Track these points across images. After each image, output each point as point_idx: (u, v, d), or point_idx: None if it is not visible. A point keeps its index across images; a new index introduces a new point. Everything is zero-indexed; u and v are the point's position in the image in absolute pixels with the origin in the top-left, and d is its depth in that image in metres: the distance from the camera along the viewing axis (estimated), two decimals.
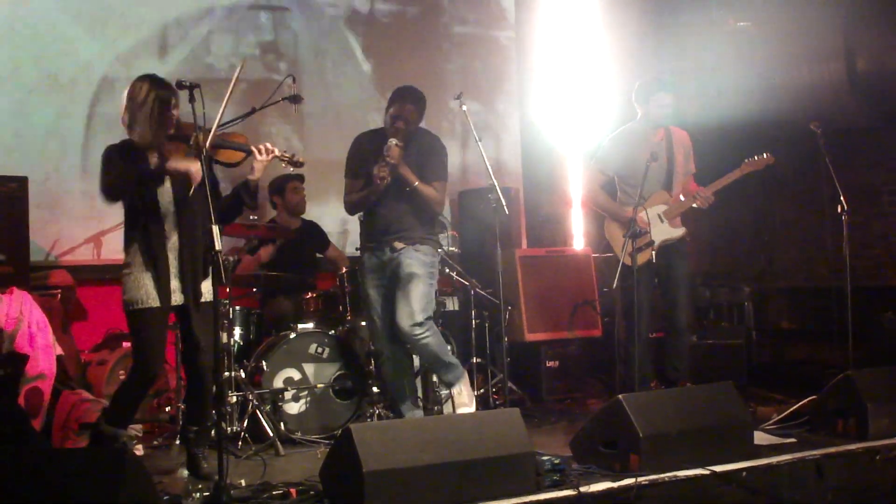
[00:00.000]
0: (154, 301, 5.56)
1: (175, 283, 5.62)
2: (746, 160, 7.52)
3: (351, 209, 7.06)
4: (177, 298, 5.63)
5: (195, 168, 5.47)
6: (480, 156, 6.44)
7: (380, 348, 6.91)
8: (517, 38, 11.07)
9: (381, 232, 6.83)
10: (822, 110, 8.79)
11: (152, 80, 5.63)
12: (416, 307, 6.62)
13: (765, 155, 7.51)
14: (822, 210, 8.85)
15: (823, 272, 9.63)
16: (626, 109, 7.93)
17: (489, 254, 6.96)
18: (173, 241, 5.63)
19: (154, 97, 5.56)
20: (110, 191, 5.55)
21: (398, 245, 6.76)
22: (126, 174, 5.51)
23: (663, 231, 7.51)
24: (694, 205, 7.51)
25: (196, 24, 9.10)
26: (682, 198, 7.54)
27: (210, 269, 5.27)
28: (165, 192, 5.64)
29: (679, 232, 7.57)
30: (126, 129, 5.64)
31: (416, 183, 6.67)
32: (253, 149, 5.85)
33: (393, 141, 6.55)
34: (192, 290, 5.65)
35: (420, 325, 6.60)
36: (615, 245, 7.58)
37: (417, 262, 6.74)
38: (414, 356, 7.12)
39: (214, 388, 5.75)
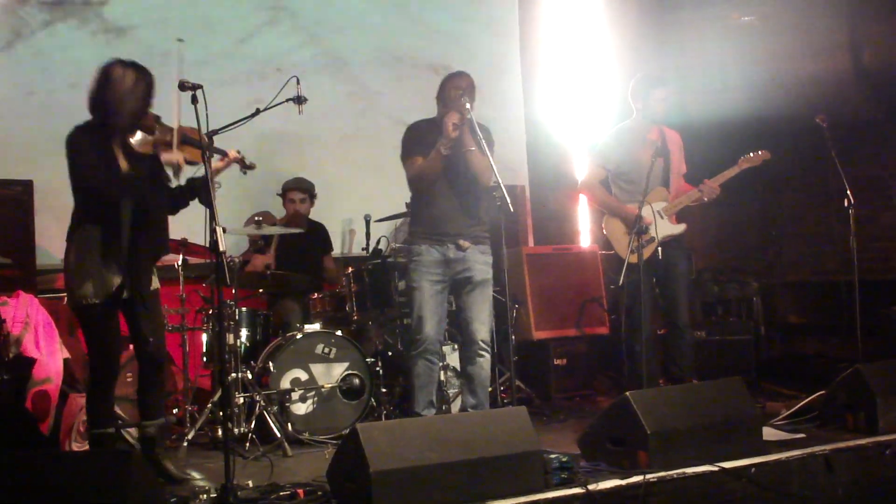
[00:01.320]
0: (102, 296, 5.51)
1: (118, 279, 5.55)
2: (743, 156, 7.52)
3: (417, 180, 6.71)
4: (124, 293, 5.57)
5: (181, 160, 5.55)
6: (485, 153, 6.41)
7: (422, 344, 6.61)
8: (521, 34, 11.06)
9: (444, 225, 6.68)
10: (827, 104, 8.76)
11: (137, 67, 5.58)
12: (492, 320, 6.73)
13: (760, 151, 7.51)
14: (829, 203, 8.83)
15: (831, 266, 9.61)
16: (631, 105, 7.90)
17: (496, 252, 6.94)
18: (125, 239, 5.54)
19: (143, 85, 5.53)
20: (90, 184, 5.48)
21: (464, 244, 6.67)
22: (117, 181, 5.47)
23: (664, 227, 7.49)
24: (704, 198, 7.50)
25: None
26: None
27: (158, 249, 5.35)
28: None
29: (680, 228, 7.57)
30: (95, 111, 5.58)
31: (473, 148, 6.61)
32: (227, 152, 5.87)
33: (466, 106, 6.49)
34: (138, 284, 5.61)
35: (489, 339, 6.70)
36: (615, 241, 7.57)
37: (488, 267, 6.76)
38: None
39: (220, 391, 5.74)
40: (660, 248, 7.37)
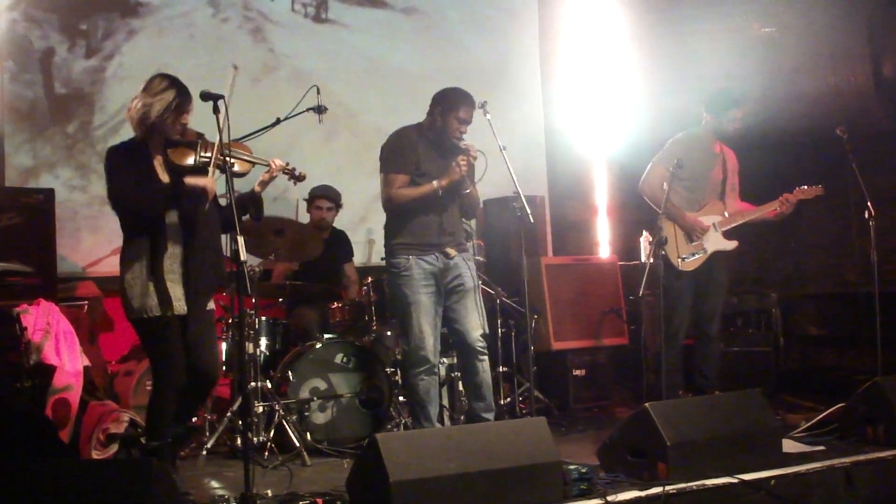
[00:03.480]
0: (160, 310, 5.49)
1: (178, 292, 5.54)
2: (798, 188, 7.54)
3: (398, 205, 6.65)
4: (180, 308, 5.54)
5: (210, 184, 5.51)
6: (505, 164, 6.42)
7: (427, 361, 6.60)
8: (541, 45, 11.08)
9: (433, 236, 6.66)
10: (848, 115, 8.74)
11: (173, 81, 5.59)
12: (483, 320, 6.72)
13: (816, 186, 7.55)
14: (849, 215, 8.81)
15: (851, 278, 9.57)
16: (651, 115, 7.91)
17: (515, 262, 6.95)
18: (177, 251, 5.55)
19: (174, 99, 5.52)
20: (125, 203, 5.50)
21: (451, 252, 6.68)
22: (151, 196, 5.46)
23: (716, 241, 7.55)
24: (780, 210, 7.61)
25: None
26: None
27: (219, 277, 5.32)
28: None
29: (732, 245, 7.64)
30: (135, 124, 5.59)
31: (469, 190, 6.69)
32: (270, 162, 5.87)
33: (473, 147, 6.52)
34: (195, 299, 5.58)
35: (484, 338, 6.69)
36: (668, 246, 7.49)
37: (474, 273, 6.78)
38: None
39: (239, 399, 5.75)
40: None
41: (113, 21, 8.77)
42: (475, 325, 6.68)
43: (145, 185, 5.48)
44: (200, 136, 5.71)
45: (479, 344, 6.68)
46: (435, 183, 6.54)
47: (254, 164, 5.84)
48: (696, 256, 7.48)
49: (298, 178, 6.04)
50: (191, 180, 5.53)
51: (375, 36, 10.15)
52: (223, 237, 5.87)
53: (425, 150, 6.67)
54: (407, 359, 6.66)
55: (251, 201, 5.87)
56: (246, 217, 5.94)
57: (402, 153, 6.68)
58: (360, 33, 10.06)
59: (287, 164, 5.94)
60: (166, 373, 5.58)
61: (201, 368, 5.65)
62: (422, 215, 6.66)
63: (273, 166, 5.87)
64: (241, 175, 5.81)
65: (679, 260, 7.42)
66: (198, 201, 5.54)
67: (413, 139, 6.73)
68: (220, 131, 5.22)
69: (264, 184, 5.91)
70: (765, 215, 7.66)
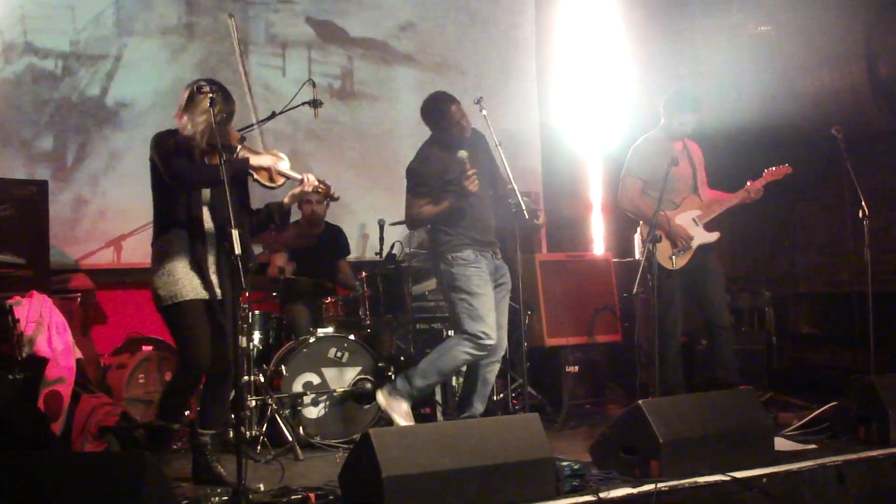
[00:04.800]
0: (196, 293, 5.56)
1: (215, 278, 5.63)
2: (766, 170, 7.56)
3: (421, 222, 6.91)
4: (217, 292, 5.62)
5: (271, 160, 5.69)
6: (500, 160, 6.42)
7: (494, 348, 6.69)
8: (537, 41, 11.07)
9: (484, 233, 6.77)
10: (843, 114, 8.76)
11: (222, 90, 5.61)
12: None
13: (783, 166, 7.55)
14: (843, 215, 8.82)
15: (845, 277, 9.59)
16: (646, 112, 7.92)
17: (509, 259, 6.95)
18: (212, 236, 5.63)
19: (219, 109, 5.51)
20: (187, 179, 5.56)
21: (498, 253, 6.87)
22: (212, 171, 5.49)
23: (699, 235, 7.58)
24: (752, 196, 7.62)
25: None
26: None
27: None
28: (205, 191, 5.68)
29: (714, 236, 7.67)
30: (181, 125, 5.63)
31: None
32: (303, 178, 5.86)
33: (465, 154, 6.55)
34: (227, 289, 5.64)
35: None
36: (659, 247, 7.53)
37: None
38: None
39: (232, 392, 5.75)
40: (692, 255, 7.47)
41: None
42: (504, 326, 6.84)
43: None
44: (243, 138, 5.75)
45: (505, 344, 6.83)
46: (448, 204, 6.63)
47: (287, 178, 5.84)
48: (683, 253, 7.50)
49: (332, 198, 6.05)
50: (255, 161, 5.70)
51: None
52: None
53: (450, 162, 6.70)
54: (462, 337, 6.61)
55: (278, 211, 5.91)
56: (271, 226, 6.01)
57: (426, 179, 6.74)
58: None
59: (322, 182, 5.93)
60: (192, 359, 5.62)
61: (222, 361, 5.68)
62: (476, 214, 6.72)
63: (306, 181, 5.86)
64: (272, 188, 5.83)
65: (669, 259, 7.43)
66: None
67: (436, 166, 6.75)
68: (214, 121, 5.25)
69: (294, 197, 5.95)
70: (742, 201, 7.66)
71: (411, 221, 6.89)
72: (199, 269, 5.58)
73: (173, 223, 5.61)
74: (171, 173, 5.52)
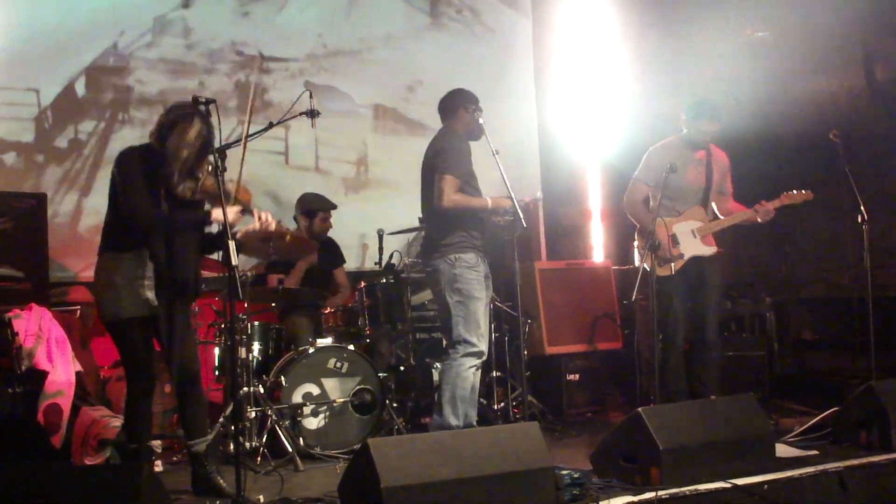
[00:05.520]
0: (138, 311, 5.51)
1: (151, 296, 5.54)
2: (785, 192, 7.54)
3: (450, 210, 6.61)
4: (151, 310, 5.56)
5: (234, 216, 5.61)
6: (498, 168, 6.42)
7: (484, 353, 6.65)
8: (535, 48, 11.08)
9: (481, 239, 6.80)
10: (841, 119, 8.76)
11: (203, 119, 5.55)
12: None
13: (804, 191, 7.53)
14: (842, 219, 8.80)
15: (845, 282, 9.57)
16: (644, 120, 7.91)
17: (509, 267, 6.94)
18: (158, 256, 5.56)
19: (200, 136, 5.52)
20: (147, 224, 5.51)
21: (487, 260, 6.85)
22: (177, 221, 5.55)
23: (695, 246, 7.55)
24: (759, 219, 7.55)
25: None
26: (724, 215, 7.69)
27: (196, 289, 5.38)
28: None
29: (710, 250, 7.60)
30: (154, 141, 5.58)
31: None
32: (260, 217, 5.88)
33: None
34: (174, 301, 5.63)
35: None
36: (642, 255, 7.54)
37: None
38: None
39: (232, 404, 5.75)
40: (677, 265, 7.42)
41: None
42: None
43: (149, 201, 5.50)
44: (217, 167, 5.75)
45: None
46: (490, 202, 6.62)
47: (244, 213, 5.86)
48: (665, 265, 7.44)
49: (282, 238, 6.34)
50: (216, 215, 5.57)
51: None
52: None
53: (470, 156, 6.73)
54: (461, 350, 6.56)
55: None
56: (214, 255, 6.01)
57: (463, 157, 6.69)
58: None
59: (278, 222, 6.04)
60: (139, 375, 5.65)
61: (178, 367, 5.71)
62: (481, 219, 6.75)
63: (261, 221, 5.90)
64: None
65: (658, 267, 7.41)
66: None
67: (467, 153, 6.74)
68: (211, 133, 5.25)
69: (248, 235, 6.02)
70: (748, 220, 7.64)
71: (450, 205, 6.57)
72: (142, 286, 5.52)
73: (124, 241, 5.56)
74: (122, 199, 5.49)
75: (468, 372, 6.52)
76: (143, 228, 5.50)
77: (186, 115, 5.48)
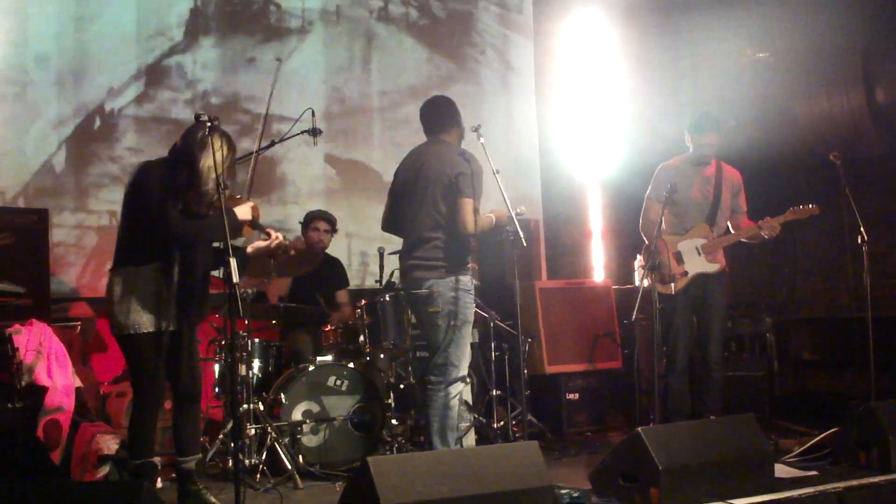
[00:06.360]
0: (154, 325, 5.54)
1: (171, 312, 5.58)
2: (791, 208, 7.55)
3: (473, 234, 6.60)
4: (168, 326, 5.59)
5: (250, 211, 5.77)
6: (498, 187, 6.42)
7: (465, 379, 6.67)
8: (536, 67, 11.11)
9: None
10: (841, 140, 8.77)
11: (229, 140, 5.66)
12: None
13: (810, 205, 7.53)
14: (842, 240, 8.82)
15: (845, 302, 9.58)
16: (645, 139, 7.93)
17: (509, 286, 6.94)
18: (175, 272, 5.60)
19: (230, 158, 5.63)
20: (180, 232, 5.53)
21: None
22: (208, 231, 5.61)
23: (698, 264, 7.57)
24: (764, 235, 7.56)
25: None
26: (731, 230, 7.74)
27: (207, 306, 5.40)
28: None
29: (714, 267, 7.61)
30: (179, 164, 5.59)
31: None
32: (271, 234, 6.03)
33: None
34: (186, 321, 5.67)
35: None
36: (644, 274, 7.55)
37: None
38: None
39: (231, 421, 5.76)
40: (682, 283, 7.45)
41: None
42: None
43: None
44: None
45: None
46: (494, 219, 6.62)
47: (258, 230, 5.94)
48: (668, 284, 7.45)
49: (288, 255, 6.37)
50: (242, 213, 5.75)
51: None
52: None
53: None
54: (449, 376, 6.53)
55: (238, 258, 5.88)
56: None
57: (481, 180, 6.62)
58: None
59: (287, 241, 6.08)
60: (149, 390, 5.65)
61: (182, 386, 5.77)
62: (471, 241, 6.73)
63: (273, 238, 6.03)
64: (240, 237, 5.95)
65: (661, 285, 7.43)
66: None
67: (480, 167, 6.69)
68: (213, 152, 5.26)
69: (258, 250, 6.08)
70: (752, 238, 7.65)
71: (475, 230, 6.51)
72: (158, 301, 5.55)
73: (141, 256, 5.59)
74: (162, 219, 5.49)
75: (455, 401, 6.52)
76: (176, 237, 5.53)
77: (212, 130, 5.48)
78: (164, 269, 5.57)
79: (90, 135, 8.69)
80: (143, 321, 5.52)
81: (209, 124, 5.30)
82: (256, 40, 9.50)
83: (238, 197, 5.88)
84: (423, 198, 6.65)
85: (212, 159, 5.38)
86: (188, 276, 5.62)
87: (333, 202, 9.49)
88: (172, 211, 5.47)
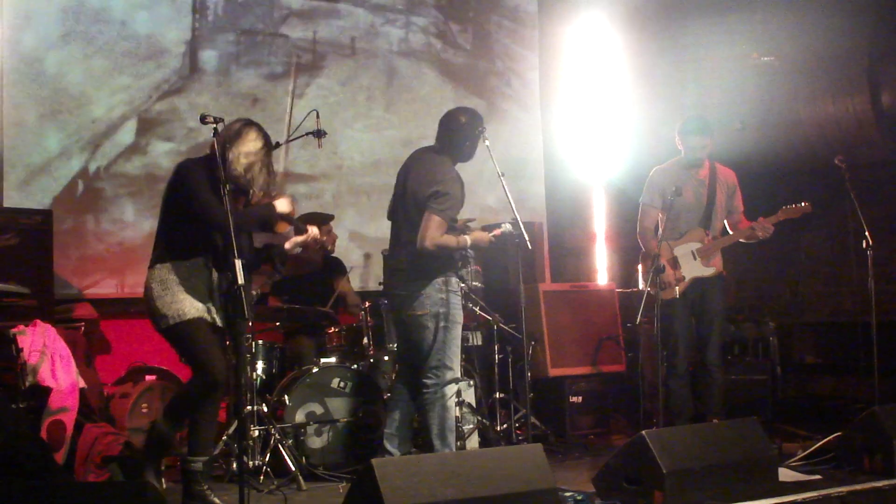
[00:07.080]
0: (199, 313, 5.56)
1: (214, 308, 5.64)
2: (784, 207, 7.55)
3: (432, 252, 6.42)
4: (218, 320, 5.65)
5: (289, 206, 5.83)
6: (503, 190, 6.41)
7: (453, 383, 6.57)
8: (540, 72, 11.11)
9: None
10: (847, 144, 8.77)
11: (264, 133, 5.72)
12: None
13: (803, 203, 7.53)
14: (847, 244, 8.81)
15: (849, 306, 9.58)
16: (649, 143, 7.93)
17: (513, 288, 6.94)
18: (214, 271, 5.67)
19: (264, 151, 5.68)
20: (223, 222, 5.34)
21: None
22: (250, 215, 5.71)
23: (694, 268, 7.57)
24: (759, 235, 7.57)
25: None
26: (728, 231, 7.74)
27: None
28: None
29: (710, 271, 7.61)
30: (232, 159, 5.63)
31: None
32: (308, 230, 6.04)
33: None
34: (232, 316, 5.64)
35: None
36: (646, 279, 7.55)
37: None
38: None
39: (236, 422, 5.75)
40: (682, 287, 7.44)
41: None
42: None
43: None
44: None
45: None
46: (469, 241, 6.47)
47: (291, 225, 5.97)
48: (664, 290, 7.44)
49: (327, 252, 6.25)
50: (281, 206, 5.82)
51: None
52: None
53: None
54: (444, 377, 6.44)
55: (279, 255, 6.00)
56: (268, 267, 6.12)
57: (458, 204, 6.50)
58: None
59: (324, 238, 6.08)
60: (210, 364, 5.56)
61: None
62: None
63: (310, 234, 6.05)
64: (277, 233, 5.96)
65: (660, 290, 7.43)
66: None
67: (462, 191, 6.58)
68: (219, 153, 5.29)
69: (296, 245, 6.08)
70: (748, 238, 7.64)
71: (433, 247, 6.33)
72: (200, 297, 5.59)
73: (181, 251, 5.62)
74: (205, 210, 5.52)
75: (451, 402, 6.48)
76: (220, 227, 5.49)
77: (245, 124, 5.63)
78: (206, 263, 5.62)
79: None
80: (186, 309, 5.53)
81: (214, 126, 5.31)
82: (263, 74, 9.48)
83: (274, 193, 5.92)
84: (404, 203, 6.56)
85: (246, 147, 5.45)
86: (227, 272, 5.56)
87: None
88: (214, 199, 5.46)
